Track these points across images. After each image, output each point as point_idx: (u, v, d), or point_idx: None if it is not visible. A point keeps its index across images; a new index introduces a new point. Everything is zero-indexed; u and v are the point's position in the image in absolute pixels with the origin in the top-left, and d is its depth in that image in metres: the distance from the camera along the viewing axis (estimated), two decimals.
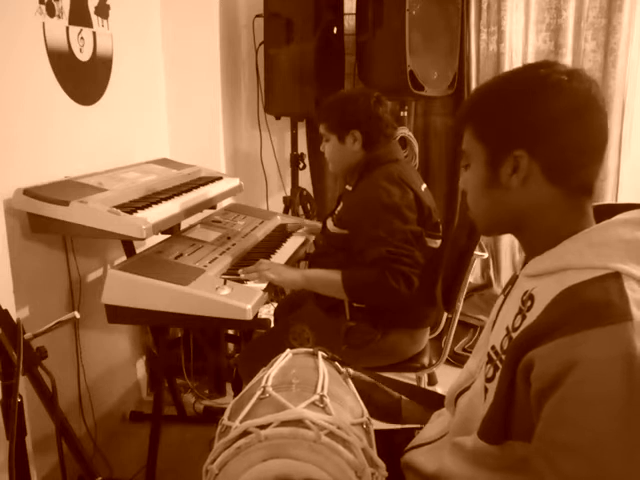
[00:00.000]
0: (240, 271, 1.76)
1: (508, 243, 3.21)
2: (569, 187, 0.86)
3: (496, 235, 2.51)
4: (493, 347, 0.91)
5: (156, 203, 1.86)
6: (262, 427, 0.80)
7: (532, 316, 0.82)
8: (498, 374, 0.86)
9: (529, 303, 0.85)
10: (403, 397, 1.24)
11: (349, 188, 1.92)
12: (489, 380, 0.88)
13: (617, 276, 0.78)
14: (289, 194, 3.03)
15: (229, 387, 2.62)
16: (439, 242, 1.89)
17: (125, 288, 1.60)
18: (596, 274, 0.79)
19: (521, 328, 0.83)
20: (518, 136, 0.86)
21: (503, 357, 0.86)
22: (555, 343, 0.75)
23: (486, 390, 0.89)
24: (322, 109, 1.92)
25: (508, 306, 0.94)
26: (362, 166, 1.85)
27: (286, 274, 1.79)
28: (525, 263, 0.93)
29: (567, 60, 2.93)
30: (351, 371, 1.11)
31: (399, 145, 1.96)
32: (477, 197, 0.94)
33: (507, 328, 0.88)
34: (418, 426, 1.19)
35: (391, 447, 1.12)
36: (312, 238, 2.31)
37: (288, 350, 1.06)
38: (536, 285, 0.86)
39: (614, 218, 0.86)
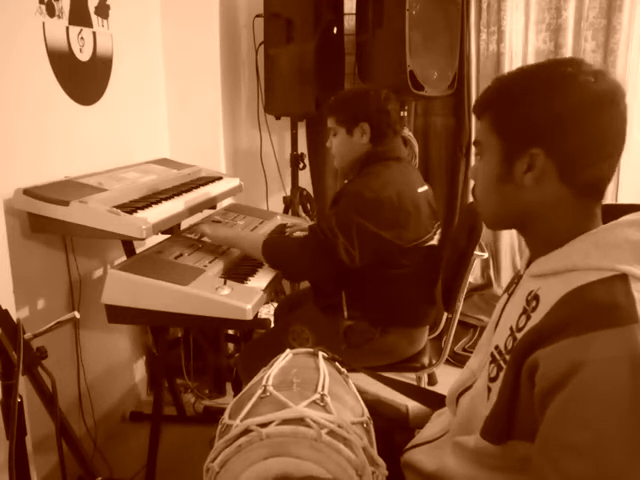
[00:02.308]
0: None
1: (508, 243, 3.21)
2: (579, 187, 0.85)
3: (501, 229, 2.51)
4: (497, 347, 0.91)
5: (156, 203, 1.86)
6: (263, 425, 0.80)
7: (537, 317, 0.82)
8: (502, 374, 0.85)
9: (534, 303, 0.85)
10: (410, 410, 1.24)
11: (346, 182, 1.93)
12: (492, 380, 0.88)
13: (624, 278, 0.78)
14: (289, 194, 3.03)
15: (229, 387, 2.62)
16: (434, 242, 1.88)
17: (125, 288, 1.60)
18: (602, 275, 0.79)
19: (526, 328, 0.83)
20: (536, 134, 0.84)
21: (507, 357, 0.85)
22: (561, 344, 0.75)
23: (489, 390, 0.88)
24: (332, 102, 1.91)
25: (512, 306, 0.94)
26: (362, 161, 1.85)
27: (220, 231, 1.94)
28: (529, 262, 0.93)
29: None
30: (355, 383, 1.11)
31: (402, 144, 1.96)
32: (487, 190, 0.92)
33: (511, 328, 0.88)
34: None
35: (391, 446, 1.12)
36: None
37: (288, 350, 1.06)
38: (541, 285, 0.86)
39: (620, 219, 0.85)
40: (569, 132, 0.83)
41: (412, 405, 1.25)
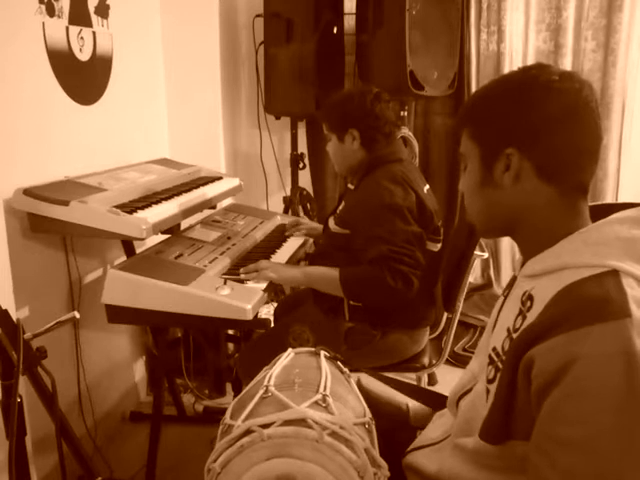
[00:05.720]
0: (241, 270, 1.75)
1: (508, 243, 3.21)
2: (564, 186, 0.86)
3: (494, 237, 2.53)
4: (494, 349, 0.91)
5: (156, 203, 1.86)
6: (265, 426, 0.80)
7: (532, 316, 0.83)
8: (499, 375, 0.85)
9: (529, 303, 0.85)
10: (411, 409, 1.24)
11: (351, 187, 1.92)
12: (490, 381, 0.89)
13: (615, 274, 0.78)
14: (289, 194, 3.03)
15: (229, 387, 2.62)
16: (439, 246, 1.88)
17: (125, 288, 1.59)
18: (594, 272, 0.79)
19: (521, 329, 0.83)
20: (509, 134, 0.87)
21: (504, 358, 0.86)
22: (555, 340, 0.75)
23: (488, 391, 0.89)
24: (322, 109, 1.92)
25: (508, 307, 0.94)
26: (365, 166, 1.84)
27: (285, 272, 1.78)
28: (523, 264, 0.93)
29: (567, 60, 2.93)
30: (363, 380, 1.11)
31: (403, 144, 1.95)
32: (472, 197, 0.95)
33: (508, 329, 0.88)
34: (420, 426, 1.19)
35: (393, 447, 1.12)
36: (311, 240, 2.30)
37: (290, 349, 1.06)
38: (535, 285, 0.87)
39: (610, 217, 0.86)
40: (541, 134, 0.85)
41: (412, 403, 1.25)
